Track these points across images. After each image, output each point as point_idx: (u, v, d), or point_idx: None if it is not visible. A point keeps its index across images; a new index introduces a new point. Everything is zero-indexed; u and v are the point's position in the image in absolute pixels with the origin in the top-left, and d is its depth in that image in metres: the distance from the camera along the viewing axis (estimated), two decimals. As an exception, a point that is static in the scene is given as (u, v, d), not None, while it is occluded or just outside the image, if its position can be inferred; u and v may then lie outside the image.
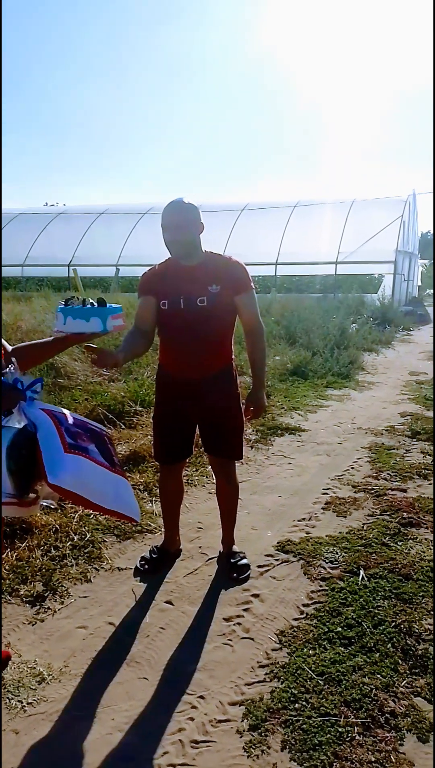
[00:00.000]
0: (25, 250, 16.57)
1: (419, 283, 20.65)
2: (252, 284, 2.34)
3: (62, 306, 1.80)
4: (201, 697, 1.89)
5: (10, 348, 1.80)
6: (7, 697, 1.86)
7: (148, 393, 4.60)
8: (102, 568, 2.62)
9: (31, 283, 14.72)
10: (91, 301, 1.82)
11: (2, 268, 14.21)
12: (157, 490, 3.11)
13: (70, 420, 1.68)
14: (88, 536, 2.81)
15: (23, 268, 16.33)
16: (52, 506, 1.71)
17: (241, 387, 2.52)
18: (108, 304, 1.82)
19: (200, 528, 3.02)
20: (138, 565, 2.61)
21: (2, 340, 1.80)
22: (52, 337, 1.88)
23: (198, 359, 2.31)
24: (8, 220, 17.16)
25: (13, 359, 1.64)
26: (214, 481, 2.71)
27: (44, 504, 1.67)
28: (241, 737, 1.74)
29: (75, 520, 2.92)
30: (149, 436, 3.82)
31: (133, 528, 2.96)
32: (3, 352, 1.72)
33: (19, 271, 16.20)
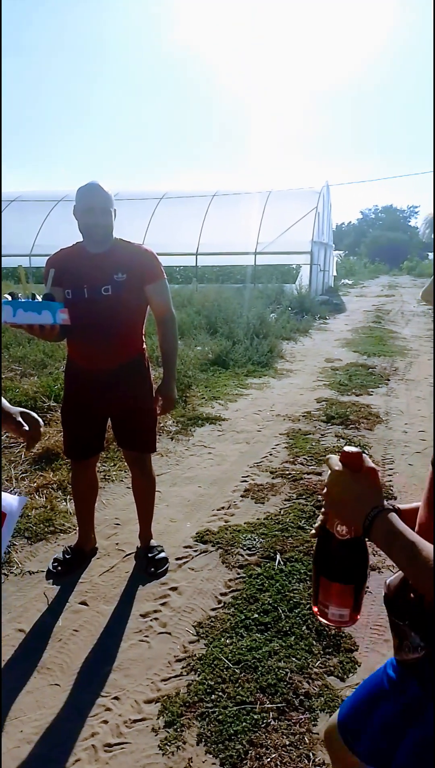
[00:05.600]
0: None
1: (334, 273, 21.32)
2: (163, 274, 2.28)
3: (8, 299, 1.79)
4: (115, 698, 1.84)
5: None
6: None
7: (62, 388, 4.41)
8: (11, 573, 2.49)
9: None
10: (38, 296, 1.86)
11: None
12: (71, 488, 2.99)
13: None
14: (-4, 540, 2.66)
15: None
16: None
17: (155, 379, 2.46)
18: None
19: (117, 524, 2.95)
20: (50, 567, 2.50)
21: None
22: None
23: (106, 349, 2.23)
24: None
25: None
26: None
27: None
28: (156, 735, 1.70)
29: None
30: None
31: (46, 529, 2.83)
32: None
33: None
